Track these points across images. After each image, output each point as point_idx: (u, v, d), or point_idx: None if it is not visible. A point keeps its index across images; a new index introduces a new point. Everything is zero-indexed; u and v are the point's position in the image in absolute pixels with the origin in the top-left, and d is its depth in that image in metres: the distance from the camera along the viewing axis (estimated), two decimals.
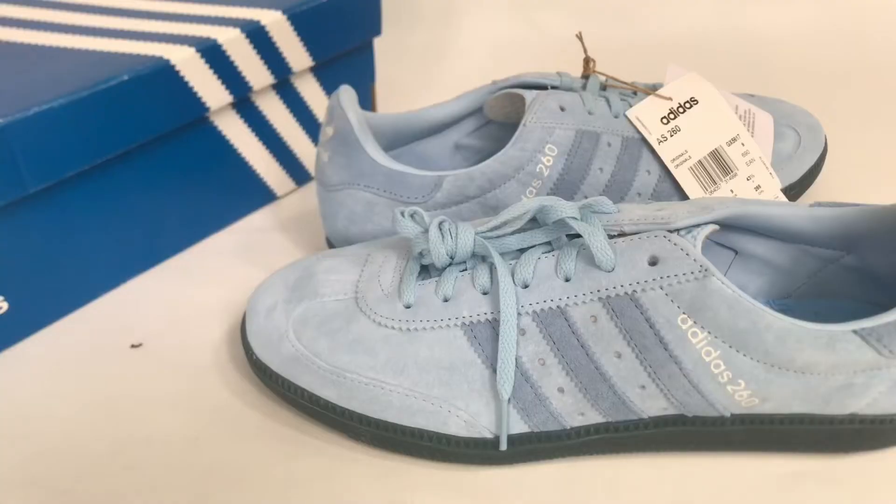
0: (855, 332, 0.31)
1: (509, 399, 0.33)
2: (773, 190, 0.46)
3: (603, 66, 0.64)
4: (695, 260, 0.31)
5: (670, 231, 0.33)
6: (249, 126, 0.50)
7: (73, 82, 0.40)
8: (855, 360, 0.31)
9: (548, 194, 0.44)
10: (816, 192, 0.53)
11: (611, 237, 0.34)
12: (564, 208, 0.33)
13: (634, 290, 0.32)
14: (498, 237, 0.35)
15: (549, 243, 0.35)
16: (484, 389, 0.34)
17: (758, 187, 0.46)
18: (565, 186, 0.44)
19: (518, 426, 0.34)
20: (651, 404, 0.33)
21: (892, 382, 0.32)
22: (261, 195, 0.54)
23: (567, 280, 0.33)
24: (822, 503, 0.33)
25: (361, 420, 0.35)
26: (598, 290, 0.32)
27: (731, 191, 0.46)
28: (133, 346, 0.43)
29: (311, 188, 0.57)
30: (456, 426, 0.34)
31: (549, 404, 0.34)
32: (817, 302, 0.39)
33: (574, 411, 0.34)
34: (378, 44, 0.69)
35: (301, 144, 0.55)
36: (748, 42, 0.74)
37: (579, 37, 0.47)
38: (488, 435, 0.34)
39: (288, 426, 0.38)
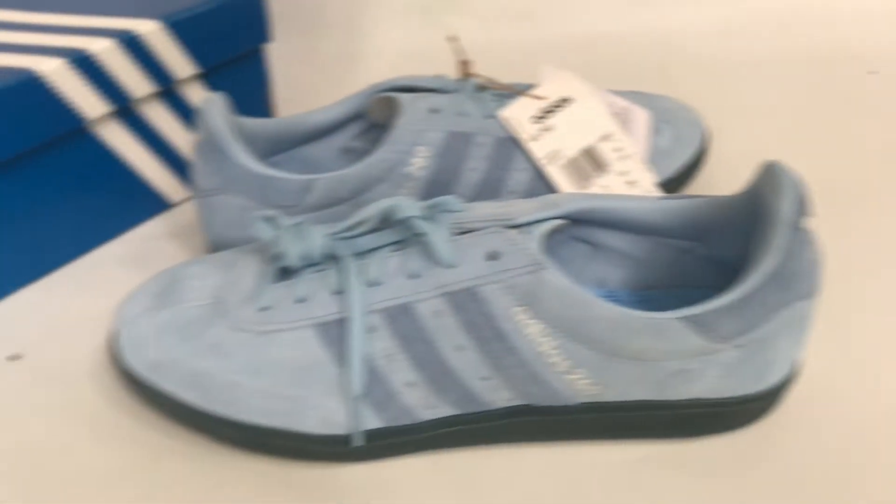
0: (679, 319, 0.32)
1: (361, 395, 0.34)
2: (647, 184, 0.48)
3: (503, 67, 0.66)
4: (529, 254, 0.32)
5: (510, 227, 0.34)
6: (135, 134, 0.50)
7: None
8: (684, 346, 0.32)
9: (421, 195, 0.45)
10: (700, 184, 0.54)
11: (459, 234, 0.34)
12: (409, 208, 0.34)
13: (474, 285, 0.33)
14: (351, 238, 0.36)
15: (400, 242, 0.35)
16: (338, 387, 0.34)
17: (632, 182, 0.47)
18: (438, 187, 0.45)
19: (372, 422, 0.35)
20: (497, 395, 0.34)
21: (725, 367, 0.33)
22: (154, 203, 0.54)
23: (412, 277, 0.34)
24: (670, 487, 0.35)
25: (222, 422, 0.36)
26: (441, 286, 0.33)
27: (605, 186, 0.47)
28: (10, 357, 0.43)
29: None
30: (312, 424, 0.35)
31: (400, 398, 0.34)
32: (682, 291, 0.40)
33: (425, 404, 0.34)
34: (286, 48, 0.70)
35: None
36: (649, 41, 0.75)
37: (453, 40, 0.48)
38: (344, 432, 0.35)
39: (155, 430, 0.38)
